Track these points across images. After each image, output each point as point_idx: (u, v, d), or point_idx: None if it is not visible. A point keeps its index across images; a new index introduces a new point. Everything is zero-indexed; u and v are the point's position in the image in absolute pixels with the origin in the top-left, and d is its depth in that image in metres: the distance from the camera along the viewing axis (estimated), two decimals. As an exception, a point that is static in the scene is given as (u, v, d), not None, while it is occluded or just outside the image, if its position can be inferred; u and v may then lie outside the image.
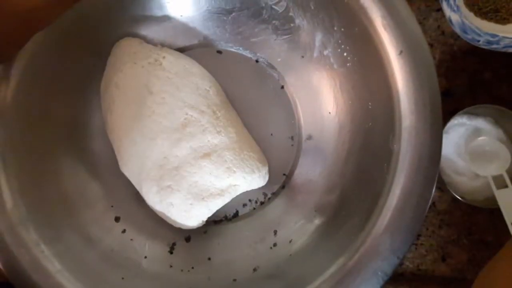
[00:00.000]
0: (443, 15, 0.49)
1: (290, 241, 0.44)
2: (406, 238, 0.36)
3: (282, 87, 0.49)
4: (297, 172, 0.48)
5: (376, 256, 0.36)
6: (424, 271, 0.49)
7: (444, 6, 0.48)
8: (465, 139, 0.48)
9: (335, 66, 0.45)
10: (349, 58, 0.43)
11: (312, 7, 0.43)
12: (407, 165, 0.37)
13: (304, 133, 0.48)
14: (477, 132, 0.48)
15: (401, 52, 0.38)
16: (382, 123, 0.40)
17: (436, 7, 0.51)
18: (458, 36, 0.48)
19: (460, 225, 0.50)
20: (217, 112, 0.45)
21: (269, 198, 0.48)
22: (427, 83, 0.38)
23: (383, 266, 0.35)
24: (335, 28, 0.43)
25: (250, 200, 0.47)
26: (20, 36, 0.36)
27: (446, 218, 0.50)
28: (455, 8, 0.46)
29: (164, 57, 0.45)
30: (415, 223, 0.36)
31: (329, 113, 0.47)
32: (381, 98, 0.40)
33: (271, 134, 0.48)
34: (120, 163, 0.45)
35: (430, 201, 0.36)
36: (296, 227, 0.44)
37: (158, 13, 0.47)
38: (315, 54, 0.46)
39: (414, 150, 0.37)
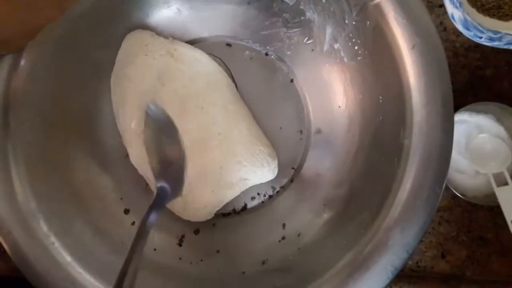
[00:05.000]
0: (445, 11, 0.48)
1: (299, 235, 0.44)
2: (416, 233, 0.36)
3: (292, 80, 0.49)
4: (306, 165, 0.47)
5: (386, 251, 0.36)
6: (423, 267, 0.49)
7: (447, 2, 0.47)
8: (466, 136, 0.48)
9: (345, 59, 0.45)
10: (360, 51, 0.43)
11: (324, 0, 0.43)
12: (418, 159, 0.37)
13: (313, 126, 0.48)
14: (478, 129, 0.48)
15: (413, 47, 0.38)
16: (393, 117, 0.40)
17: (438, 3, 0.50)
18: (460, 33, 0.48)
19: (459, 222, 0.49)
20: (228, 105, 0.45)
21: (277, 192, 0.48)
22: (439, 78, 0.37)
23: (393, 260, 0.35)
24: (347, 22, 0.43)
25: (258, 194, 0.47)
26: (31, 26, 0.36)
27: (445, 215, 0.50)
28: (458, 5, 0.46)
29: (175, 49, 0.45)
30: (425, 217, 0.36)
31: (339, 106, 0.47)
32: (392, 92, 0.40)
33: (280, 128, 0.48)
34: (130, 156, 0.45)
35: (440, 196, 0.36)
36: (305, 221, 0.44)
37: (168, 5, 0.47)
38: (325, 48, 0.46)
39: (425, 145, 0.37)
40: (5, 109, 0.39)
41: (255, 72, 0.49)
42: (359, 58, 0.43)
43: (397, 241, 0.36)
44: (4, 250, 0.37)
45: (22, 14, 0.34)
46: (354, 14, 0.42)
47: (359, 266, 0.36)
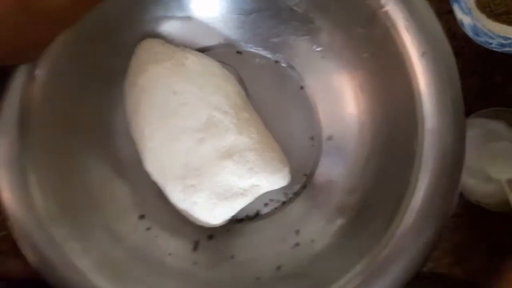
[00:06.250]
0: (454, 17, 0.48)
1: (313, 241, 0.44)
2: (430, 240, 0.36)
3: (302, 87, 0.49)
4: (318, 172, 0.48)
5: (400, 257, 0.36)
6: (438, 274, 0.49)
7: (456, 8, 0.48)
8: (477, 142, 0.48)
9: (355, 67, 0.45)
10: (370, 59, 0.44)
11: (333, 9, 0.44)
12: (430, 166, 0.37)
13: (325, 133, 0.48)
14: (489, 135, 0.48)
15: (423, 54, 0.38)
16: (404, 124, 0.40)
17: (447, 9, 0.50)
18: (470, 39, 0.48)
19: (474, 229, 0.49)
20: (239, 112, 0.46)
21: (290, 198, 0.48)
22: (449, 85, 0.38)
23: (407, 267, 0.36)
24: (356, 29, 0.43)
25: (271, 200, 0.48)
26: (46, 37, 0.37)
27: (460, 222, 0.50)
28: (467, 11, 0.46)
29: (187, 58, 0.46)
30: (439, 224, 0.36)
31: (350, 113, 0.47)
32: (403, 99, 0.40)
33: (291, 134, 0.48)
34: (144, 162, 0.45)
35: (454, 202, 0.36)
36: (318, 227, 0.45)
37: (179, 13, 0.48)
38: (335, 55, 0.47)
39: (437, 152, 0.37)
40: (21, 118, 0.39)
41: (266, 80, 0.49)
42: (369, 65, 0.44)
43: (411, 248, 0.36)
44: (21, 252, 0.38)
45: (40, 25, 0.34)
46: (363, 22, 0.42)
47: (373, 273, 0.36)
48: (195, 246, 0.45)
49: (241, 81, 0.49)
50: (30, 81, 0.40)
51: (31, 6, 0.33)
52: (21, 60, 0.39)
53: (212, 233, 0.46)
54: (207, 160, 0.44)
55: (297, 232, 0.46)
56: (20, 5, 0.32)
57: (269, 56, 0.49)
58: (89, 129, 0.45)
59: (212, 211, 0.44)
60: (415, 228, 0.36)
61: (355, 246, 0.40)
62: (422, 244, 0.36)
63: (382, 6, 0.39)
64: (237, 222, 0.47)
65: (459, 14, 0.47)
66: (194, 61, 0.47)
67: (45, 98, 0.41)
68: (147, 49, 0.47)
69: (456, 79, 0.38)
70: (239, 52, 0.50)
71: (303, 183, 0.48)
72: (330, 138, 0.48)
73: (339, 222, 0.44)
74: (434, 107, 0.38)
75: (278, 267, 0.43)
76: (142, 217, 0.45)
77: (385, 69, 0.42)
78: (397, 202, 0.38)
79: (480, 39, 0.46)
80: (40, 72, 0.40)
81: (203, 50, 0.49)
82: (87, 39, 0.43)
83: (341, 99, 0.47)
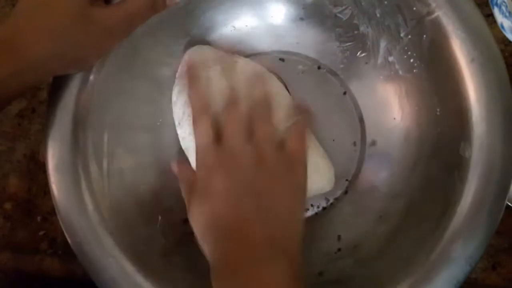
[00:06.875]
0: (494, 21, 0.48)
1: (355, 247, 0.44)
2: (478, 246, 0.35)
3: (345, 93, 0.49)
4: (360, 177, 0.48)
5: (447, 264, 0.35)
6: (474, 279, 0.48)
7: (496, 12, 0.47)
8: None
9: (400, 72, 0.45)
10: (416, 64, 0.43)
11: (378, 15, 0.44)
12: (479, 172, 0.36)
13: (368, 138, 0.48)
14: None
15: (473, 60, 0.38)
16: (452, 130, 0.39)
17: (486, 13, 0.49)
18: (509, 42, 0.47)
19: (511, 234, 0.48)
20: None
21: (331, 204, 0.48)
22: (499, 91, 0.37)
23: (455, 273, 0.35)
24: (402, 35, 0.43)
25: (312, 205, 0.48)
26: (104, 47, 0.39)
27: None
28: (507, 14, 0.46)
29: (236, 62, 0.46)
30: (488, 230, 0.36)
31: (394, 119, 0.47)
32: (450, 105, 0.40)
33: (333, 140, 0.48)
34: (191, 164, 0.46)
35: (503, 209, 0.36)
36: (361, 233, 0.45)
37: (225, 23, 0.49)
38: (379, 61, 0.47)
39: (487, 157, 0.36)
40: (75, 125, 0.41)
41: (309, 85, 0.50)
42: (415, 70, 0.44)
43: (460, 254, 0.35)
44: (59, 252, 0.37)
45: (98, 37, 0.36)
46: (409, 28, 0.42)
47: (421, 279, 0.36)
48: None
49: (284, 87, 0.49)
50: (83, 88, 0.41)
51: (92, 24, 0.35)
52: (79, 68, 0.41)
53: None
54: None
55: (339, 237, 0.45)
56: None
57: (311, 62, 0.50)
58: (138, 134, 0.47)
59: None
60: (463, 234, 0.36)
61: (400, 251, 0.39)
62: (470, 250, 0.35)
63: (431, 13, 0.39)
64: (278, 226, 0.48)
65: (500, 18, 0.47)
66: (243, 65, 0.47)
67: (97, 105, 0.42)
68: (196, 55, 0.48)
69: (506, 86, 0.37)
70: (281, 59, 0.50)
71: (345, 189, 0.48)
72: (373, 143, 0.48)
73: (383, 228, 0.43)
74: (484, 112, 0.37)
75: (320, 273, 0.43)
76: (185, 221, 0.46)
77: (432, 75, 0.42)
78: (443, 208, 0.37)
79: (521, 42, 0.46)
80: (94, 78, 0.42)
81: (246, 57, 0.50)
82: (139, 47, 0.45)
83: (385, 104, 0.47)
